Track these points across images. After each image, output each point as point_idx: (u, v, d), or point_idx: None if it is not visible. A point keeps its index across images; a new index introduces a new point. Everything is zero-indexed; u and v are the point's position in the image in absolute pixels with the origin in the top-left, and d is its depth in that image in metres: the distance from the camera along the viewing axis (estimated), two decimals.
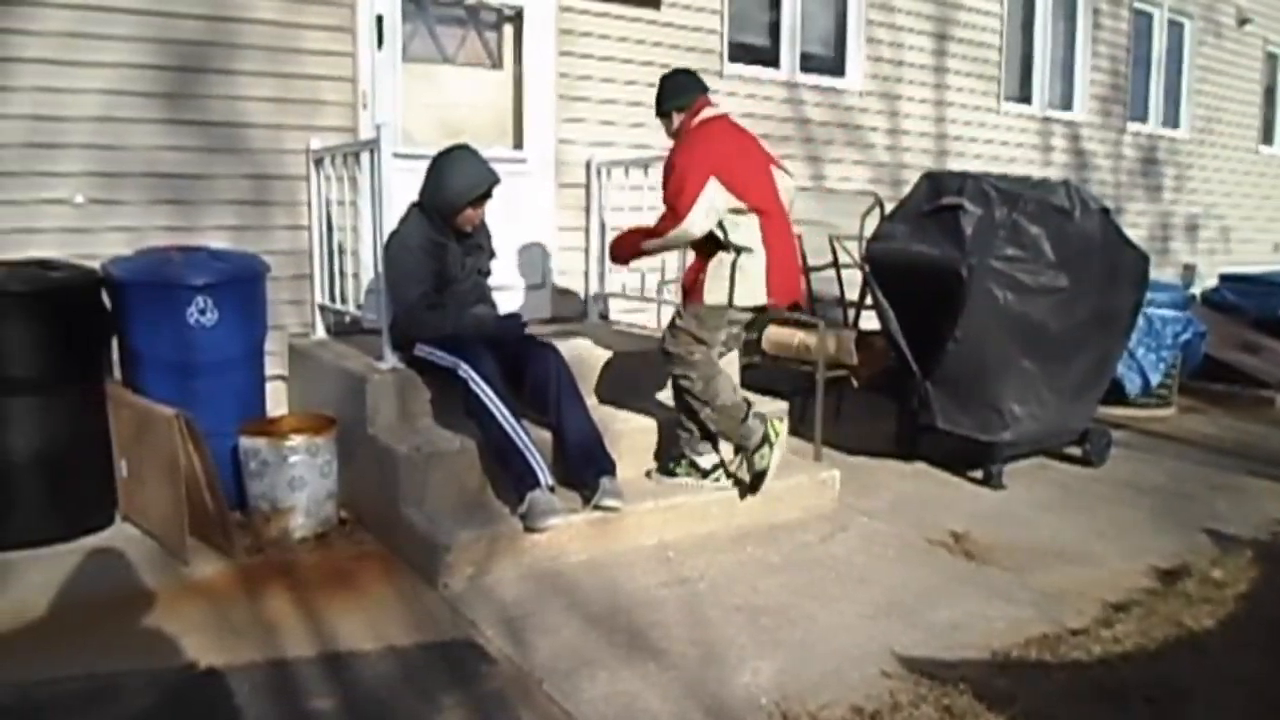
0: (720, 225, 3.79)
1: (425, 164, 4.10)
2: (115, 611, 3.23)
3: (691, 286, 3.94)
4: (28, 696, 2.68)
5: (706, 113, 3.97)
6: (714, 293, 3.85)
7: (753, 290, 3.85)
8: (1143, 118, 9.72)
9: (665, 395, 4.64)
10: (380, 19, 4.90)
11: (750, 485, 4.03)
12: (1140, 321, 5.46)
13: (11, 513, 3.73)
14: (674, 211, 3.75)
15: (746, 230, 3.82)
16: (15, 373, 3.68)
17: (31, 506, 3.75)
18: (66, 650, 2.94)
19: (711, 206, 3.72)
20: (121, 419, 3.95)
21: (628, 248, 4.08)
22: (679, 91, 4.03)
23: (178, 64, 4.41)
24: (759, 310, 4.00)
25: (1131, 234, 5.24)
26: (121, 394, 3.98)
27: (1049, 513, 4.48)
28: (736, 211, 3.79)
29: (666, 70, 4.21)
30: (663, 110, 4.07)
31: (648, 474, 4.20)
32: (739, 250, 3.80)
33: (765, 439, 3.93)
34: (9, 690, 2.70)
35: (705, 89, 4.06)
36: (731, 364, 4.36)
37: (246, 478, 3.90)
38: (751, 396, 4.25)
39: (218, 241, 4.49)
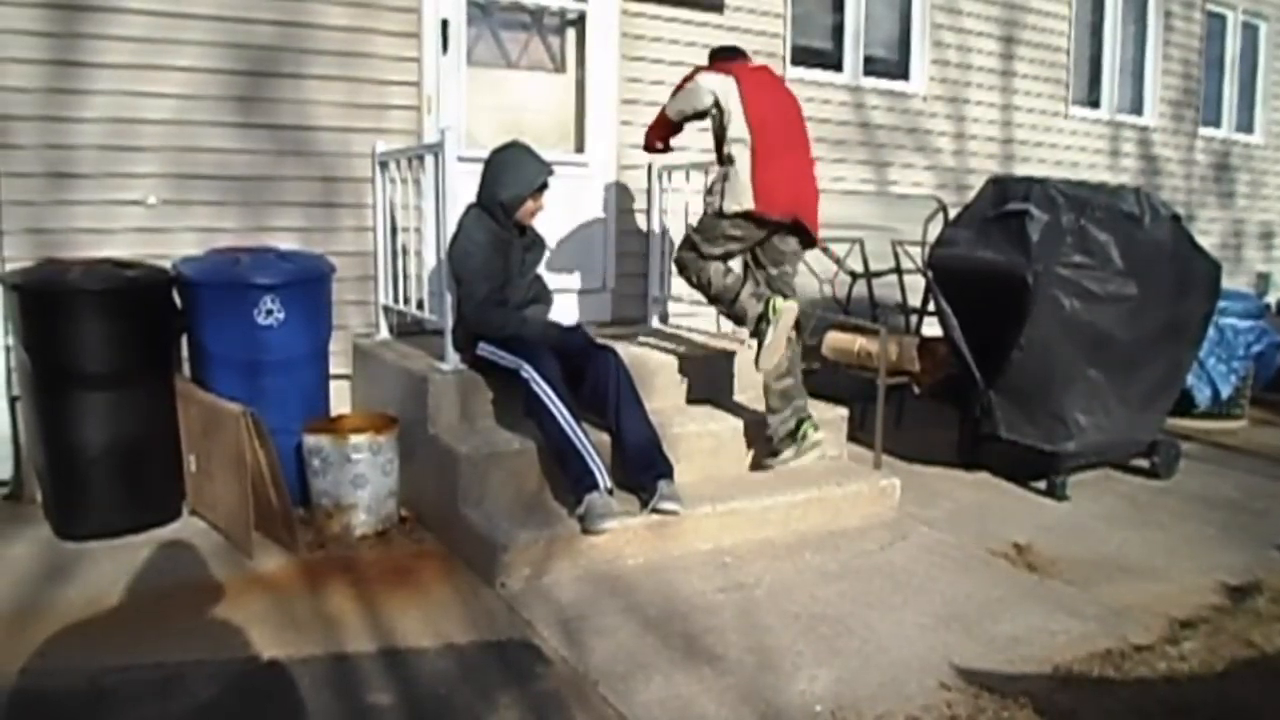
0: (718, 112, 4.09)
1: None
2: (183, 602, 3.31)
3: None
4: (98, 683, 2.75)
5: (739, 62, 4.32)
6: (712, 203, 4.15)
7: (739, 196, 4.03)
8: (1215, 123, 9.47)
9: (725, 399, 4.65)
10: (445, 24, 4.96)
11: (756, 357, 4.14)
12: (1211, 331, 5.32)
13: (87, 504, 3.85)
14: (682, 81, 4.26)
15: (738, 133, 4.05)
16: (90, 368, 3.79)
17: (105, 498, 3.87)
18: (136, 639, 3.02)
19: (713, 87, 4.08)
20: (190, 415, 4.04)
21: (651, 128, 4.52)
22: (715, 53, 4.47)
23: (249, 69, 4.51)
24: (755, 223, 4.10)
25: (1203, 241, 5.13)
26: (191, 390, 4.07)
27: (1114, 525, 4.39)
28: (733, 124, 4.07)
29: None
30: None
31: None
32: (729, 160, 4.06)
33: (763, 315, 4.06)
34: (81, 676, 2.77)
35: (741, 55, 4.42)
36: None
37: (310, 475, 3.97)
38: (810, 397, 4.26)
39: (285, 243, 4.58)
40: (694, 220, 4.42)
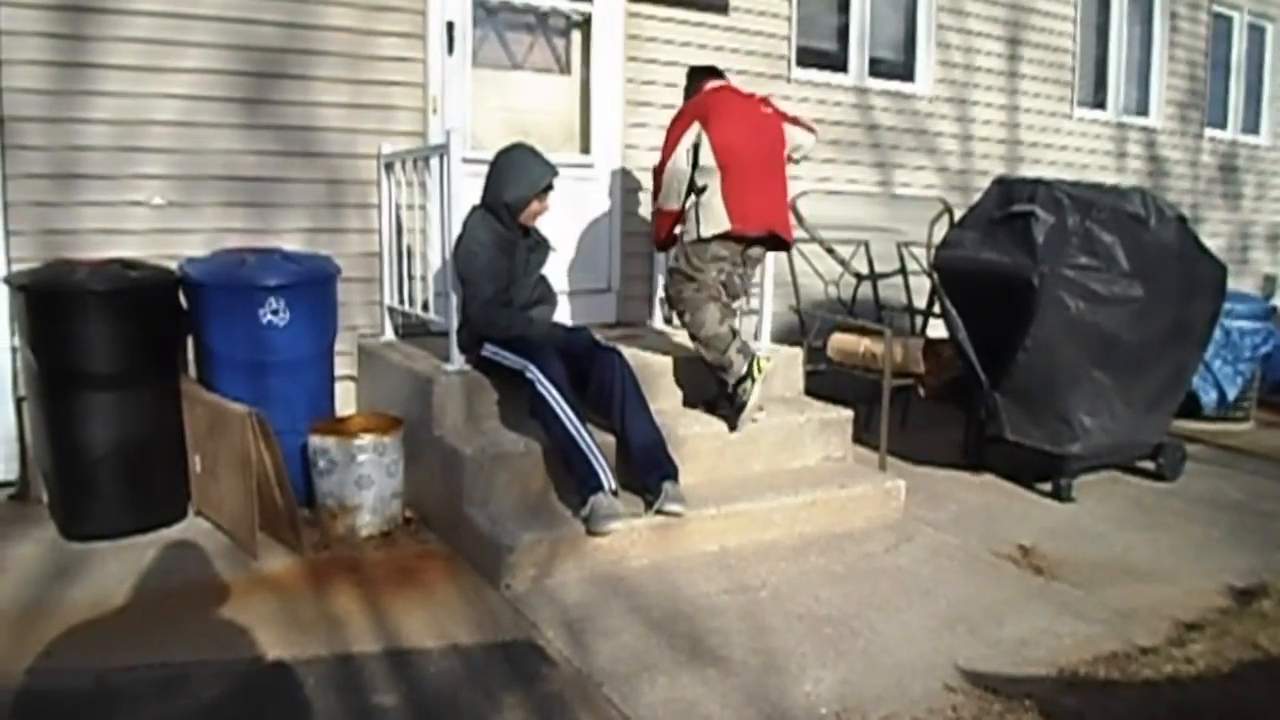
0: (694, 160, 4.16)
1: None
2: (188, 602, 3.32)
3: (666, 237, 4.41)
4: (104, 682, 2.76)
5: (708, 86, 4.42)
6: (690, 232, 4.25)
7: (716, 221, 4.15)
8: (1221, 124, 9.45)
9: None
10: (451, 25, 4.97)
11: (731, 419, 4.28)
12: (1217, 333, 5.31)
13: (93, 504, 3.86)
14: (661, 161, 4.29)
15: (706, 173, 4.17)
16: (96, 369, 3.80)
17: (111, 499, 3.87)
18: (142, 638, 3.02)
19: (689, 145, 4.15)
20: (196, 415, 4.04)
21: (656, 226, 4.46)
22: (690, 80, 4.59)
23: (256, 70, 4.52)
24: (735, 240, 4.22)
25: (1209, 243, 5.11)
26: (196, 391, 4.08)
27: (1120, 528, 4.38)
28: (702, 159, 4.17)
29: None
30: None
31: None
32: (699, 191, 4.18)
33: (748, 374, 4.18)
34: (87, 676, 2.78)
35: (714, 74, 4.52)
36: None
37: (315, 475, 3.97)
38: (812, 401, 4.29)
39: (292, 243, 4.59)
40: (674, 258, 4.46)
